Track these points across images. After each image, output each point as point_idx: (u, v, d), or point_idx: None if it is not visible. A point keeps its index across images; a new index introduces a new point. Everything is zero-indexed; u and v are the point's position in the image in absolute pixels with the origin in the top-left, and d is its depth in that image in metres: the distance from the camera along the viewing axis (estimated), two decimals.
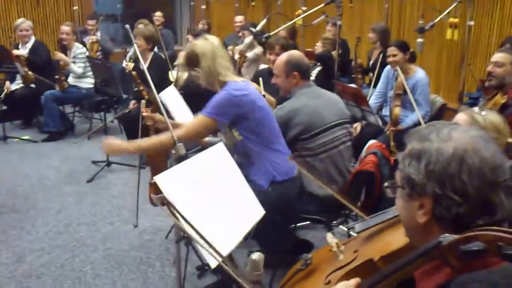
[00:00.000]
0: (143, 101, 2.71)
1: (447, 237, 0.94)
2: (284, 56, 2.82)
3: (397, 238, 1.64)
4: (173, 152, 2.03)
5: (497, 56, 3.11)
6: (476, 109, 1.98)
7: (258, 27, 3.46)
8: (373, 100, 4.43)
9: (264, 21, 3.51)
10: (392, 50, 4.07)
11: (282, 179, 2.51)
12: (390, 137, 3.66)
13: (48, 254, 3.14)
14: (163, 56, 5.18)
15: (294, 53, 2.85)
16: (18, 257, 3.10)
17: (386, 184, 1.19)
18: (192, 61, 2.50)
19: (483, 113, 1.93)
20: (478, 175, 0.97)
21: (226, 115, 2.45)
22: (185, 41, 7.56)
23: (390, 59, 4.09)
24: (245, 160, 2.57)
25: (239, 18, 7.09)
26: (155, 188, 2.28)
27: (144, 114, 2.64)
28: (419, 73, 4.05)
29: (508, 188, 1.00)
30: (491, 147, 1.01)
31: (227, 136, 2.59)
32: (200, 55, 2.47)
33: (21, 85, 5.82)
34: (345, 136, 2.80)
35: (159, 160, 2.74)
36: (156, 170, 2.37)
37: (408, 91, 3.62)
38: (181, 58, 2.49)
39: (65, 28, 5.69)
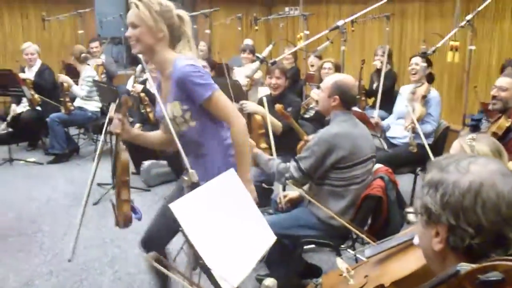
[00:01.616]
0: None
1: (465, 266, 0.96)
2: (335, 77, 2.78)
3: (407, 264, 1.67)
4: (186, 179, 2.05)
5: (502, 81, 3.20)
6: (470, 136, 2.00)
7: (265, 53, 3.52)
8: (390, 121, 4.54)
9: (271, 47, 3.57)
10: (416, 59, 4.26)
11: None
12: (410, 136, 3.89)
13: (56, 277, 3.15)
14: None
15: (346, 79, 2.77)
16: (26, 280, 3.11)
17: (408, 209, 1.23)
18: None
19: (474, 143, 1.94)
20: (493, 209, 0.99)
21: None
22: None
23: (412, 67, 4.26)
24: (195, 151, 2.24)
25: (247, 41, 7.17)
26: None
27: None
28: (434, 92, 4.22)
29: None
30: (509, 182, 1.02)
31: (175, 122, 2.19)
32: None
33: (27, 107, 5.89)
34: (372, 170, 2.76)
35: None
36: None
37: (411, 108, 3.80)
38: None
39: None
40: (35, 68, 6.04)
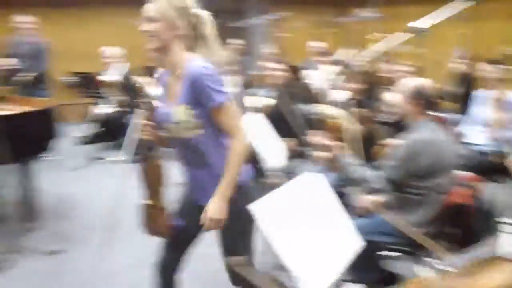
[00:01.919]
0: None
1: None
2: (414, 81, 2.76)
3: (496, 276, 1.63)
4: (267, 181, 2.08)
5: None
6: None
7: (342, 57, 3.55)
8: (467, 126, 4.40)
9: (348, 51, 3.59)
10: (485, 65, 4.16)
11: (246, 179, 2.16)
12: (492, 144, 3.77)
13: (137, 272, 3.31)
14: None
15: (425, 82, 2.73)
16: (111, 273, 3.37)
17: (500, 219, 1.20)
18: None
19: None
20: None
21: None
22: (260, 67, 7.76)
23: (481, 73, 4.18)
24: (196, 161, 2.16)
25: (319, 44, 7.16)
26: None
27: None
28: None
29: None
30: None
31: (179, 127, 2.07)
32: None
33: (111, 109, 6.27)
34: (455, 178, 2.69)
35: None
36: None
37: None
38: None
39: None
40: (122, 71, 6.39)
